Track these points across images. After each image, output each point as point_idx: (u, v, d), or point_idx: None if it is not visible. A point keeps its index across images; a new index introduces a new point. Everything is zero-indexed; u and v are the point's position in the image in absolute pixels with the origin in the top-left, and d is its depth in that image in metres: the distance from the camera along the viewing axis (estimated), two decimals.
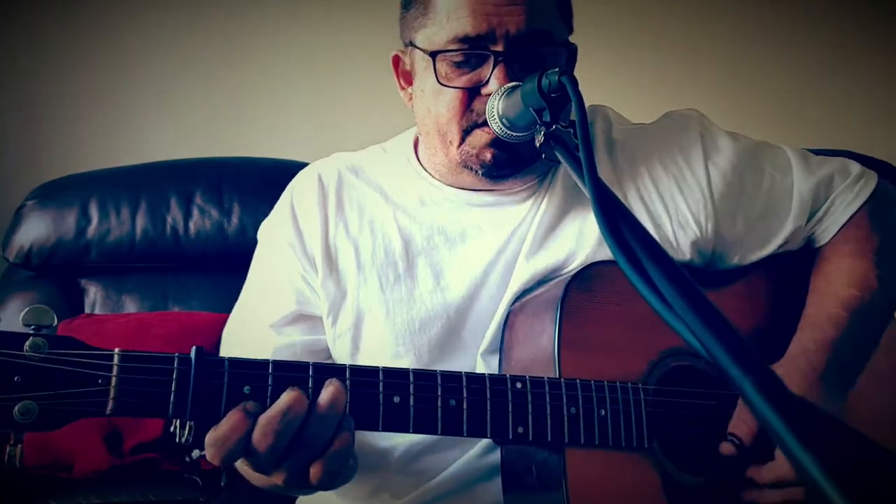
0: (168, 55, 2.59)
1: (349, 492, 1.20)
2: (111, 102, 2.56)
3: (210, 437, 0.88)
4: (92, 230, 2.09)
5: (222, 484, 1.79)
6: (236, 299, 1.32)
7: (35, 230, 2.09)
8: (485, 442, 1.13)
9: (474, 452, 1.14)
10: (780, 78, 2.85)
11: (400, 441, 1.17)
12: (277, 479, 0.93)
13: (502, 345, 1.15)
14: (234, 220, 2.12)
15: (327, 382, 0.91)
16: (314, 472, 0.91)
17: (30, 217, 2.10)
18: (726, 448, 1.11)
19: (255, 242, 1.34)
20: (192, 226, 2.12)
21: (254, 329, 1.23)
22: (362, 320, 1.19)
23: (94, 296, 2.13)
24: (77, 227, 2.08)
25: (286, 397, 0.88)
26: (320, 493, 1.24)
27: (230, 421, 0.87)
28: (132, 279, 2.15)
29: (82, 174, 2.21)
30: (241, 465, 1.00)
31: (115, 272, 2.14)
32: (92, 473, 1.80)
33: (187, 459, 1.69)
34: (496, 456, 1.12)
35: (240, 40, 2.62)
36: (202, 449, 0.90)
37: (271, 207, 1.34)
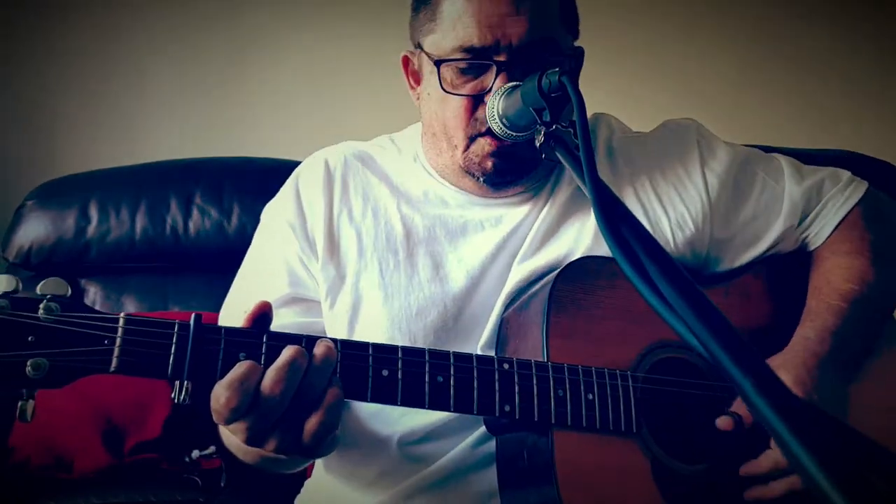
0: (168, 55, 2.59)
1: (353, 478, 1.23)
2: (111, 103, 2.56)
3: (224, 381, 0.91)
4: (92, 230, 2.08)
5: (222, 484, 1.79)
6: None
7: (35, 230, 2.08)
8: (480, 431, 1.16)
9: (470, 441, 1.16)
10: (780, 79, 2.85)
11: (398, 429, 1.19)
12: (270, 445, 0.95)
13: (499, 340, 1.17)
14: (234, 220, 2.11)
15: (319, 341, 0.95)
16: (310, 424, 0.93)
17: (29, 217, 2.09)
18: (724, 422, 1.11)
19: None
20: (191, 226, 2.11)
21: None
22: (360, 304, 1.21)
23: (93, 296, 2.12)
24: (77, 227, 2.08)
25: (290, 350, 0.92)
26: (325, 481, 1.26)
27: (244, 366, 0.91)
28: (132, 279, 2.14)
29: (82, 174, 2.21)
30: (229, 438, 1.01)
31: (115, 272, 2.14)
32: (91, 473, 1.80)
33: (187, 460, 1.70)
34: (491, 445, 1.14)
35: (241, 41, 2.62)
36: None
37: None
